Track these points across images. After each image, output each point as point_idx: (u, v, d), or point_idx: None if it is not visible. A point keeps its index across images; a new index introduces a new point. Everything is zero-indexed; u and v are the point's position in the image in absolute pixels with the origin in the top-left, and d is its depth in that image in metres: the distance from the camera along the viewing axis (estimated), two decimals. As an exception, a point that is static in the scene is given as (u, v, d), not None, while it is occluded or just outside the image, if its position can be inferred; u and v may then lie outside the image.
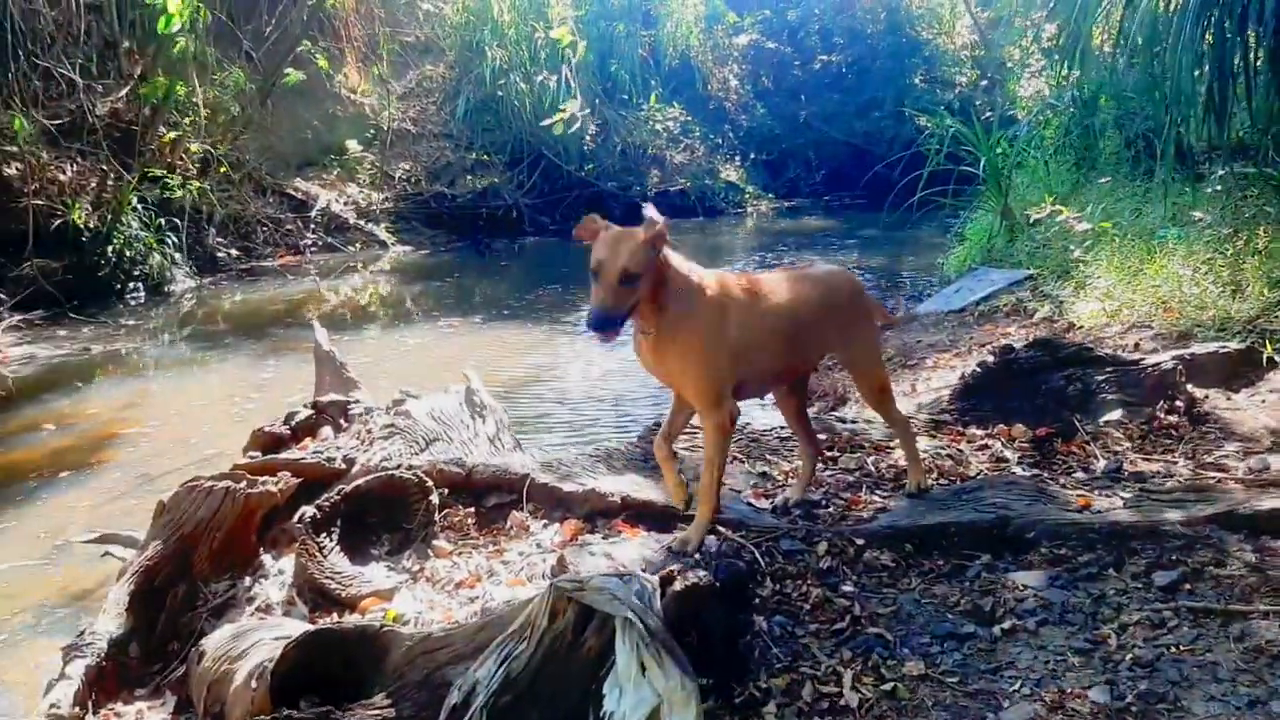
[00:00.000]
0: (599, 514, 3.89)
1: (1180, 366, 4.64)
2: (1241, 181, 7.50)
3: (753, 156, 21.35)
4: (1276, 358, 4.87)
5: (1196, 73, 7.53)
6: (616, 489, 3.93)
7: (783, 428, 4.86)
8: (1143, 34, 8.80)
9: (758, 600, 3.30)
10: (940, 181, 9.82)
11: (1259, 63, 7.19)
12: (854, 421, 4.92)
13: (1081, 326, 6.46)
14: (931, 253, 11.50)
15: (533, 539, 3.76)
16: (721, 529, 3.70)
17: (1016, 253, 8.46)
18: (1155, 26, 8.62)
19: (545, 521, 3.89)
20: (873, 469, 4.33)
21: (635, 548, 3.42)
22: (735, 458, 4.55)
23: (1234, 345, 4.98)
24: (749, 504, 4.03)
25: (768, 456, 4.51)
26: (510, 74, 16.83)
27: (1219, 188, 7.43)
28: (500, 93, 16.89)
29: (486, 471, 4.04)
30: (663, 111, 19.69)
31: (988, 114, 14.52)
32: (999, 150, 9.89)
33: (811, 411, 5.08)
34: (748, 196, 20.27)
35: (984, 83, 20.46)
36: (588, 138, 17.24)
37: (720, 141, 20.98)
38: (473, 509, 3.93)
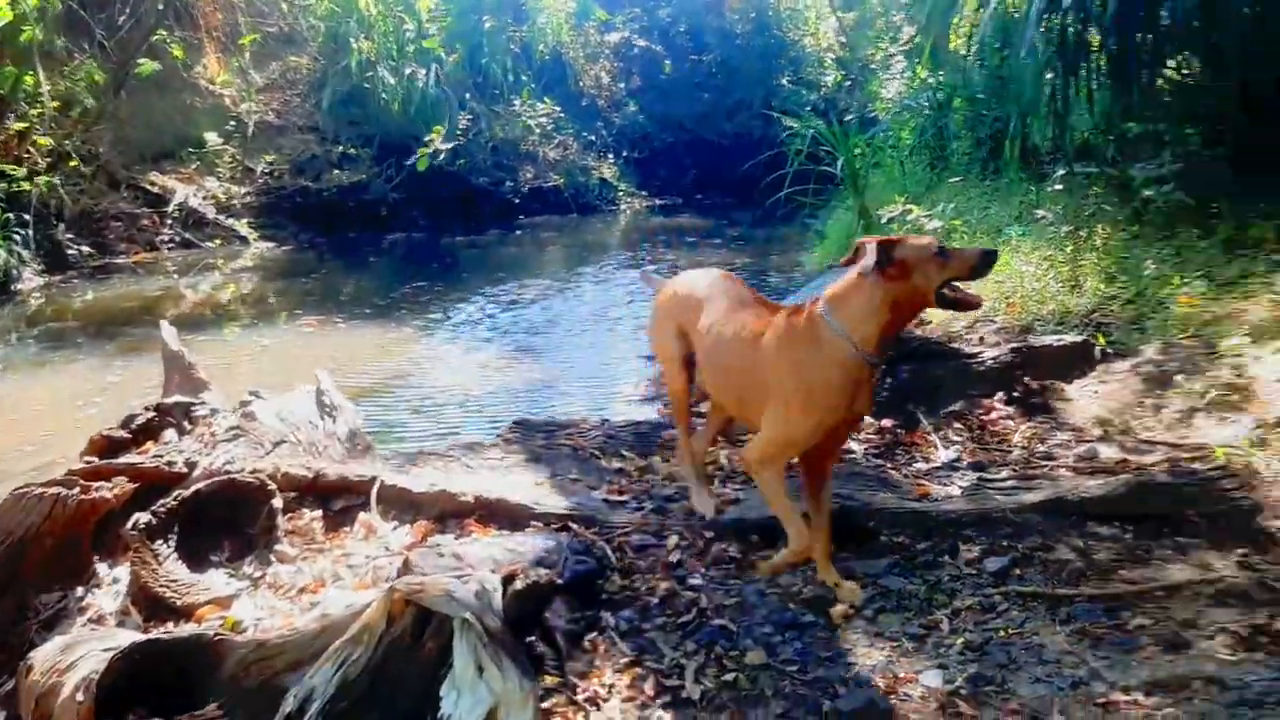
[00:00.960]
0: (451, 514, 3.87)
1: (1018, 359, 4.83)
2: (1083, 181, 7.83)
3: (625, 154, 21.41)
4: (1109, 350, 5.11)
5: (1046, 75, 7.85)
6: (469, 488, 3.91)
7: (639, 424, 4.92)
8: (992, 36, 9.15)
9: (605, 596, 3.33)
10: (804, 181, 10.03)
11: (1100, 66, 7.52)
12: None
13: (932, 321, 6.65)
14: (797, 250, 11.75)
15: (381, 541, 3.72)
16: (574, 525, 3.72)
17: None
18: (1003, 29, 8.97)
19: (395, 523, 3.85)
20: (726, 462, 4.39)
21: (484, 547, 3.40)
22: (593, 454, 4.57)
23: (1069, 338, 5.20)
24: (604, 499, 4.06)
25: (624, 452, 4.54)
26: (378, 66, 16.52)
27: (1060, 187, 7.74)
28: (367, 85, 16.57)
29: (334, 473, 3.98)
30: (534, 107, 19.59)
31: (851, 115, 14.90)
32: (857, 151, 10.15)
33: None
34: (621, 194, 20.33)
35: (848, 84, 20.89)
36: (458, 132, 17.05)
37: (594, 139, 20.98)
38: (320, 512, 3.86)
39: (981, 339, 5.93)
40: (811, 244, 10.63)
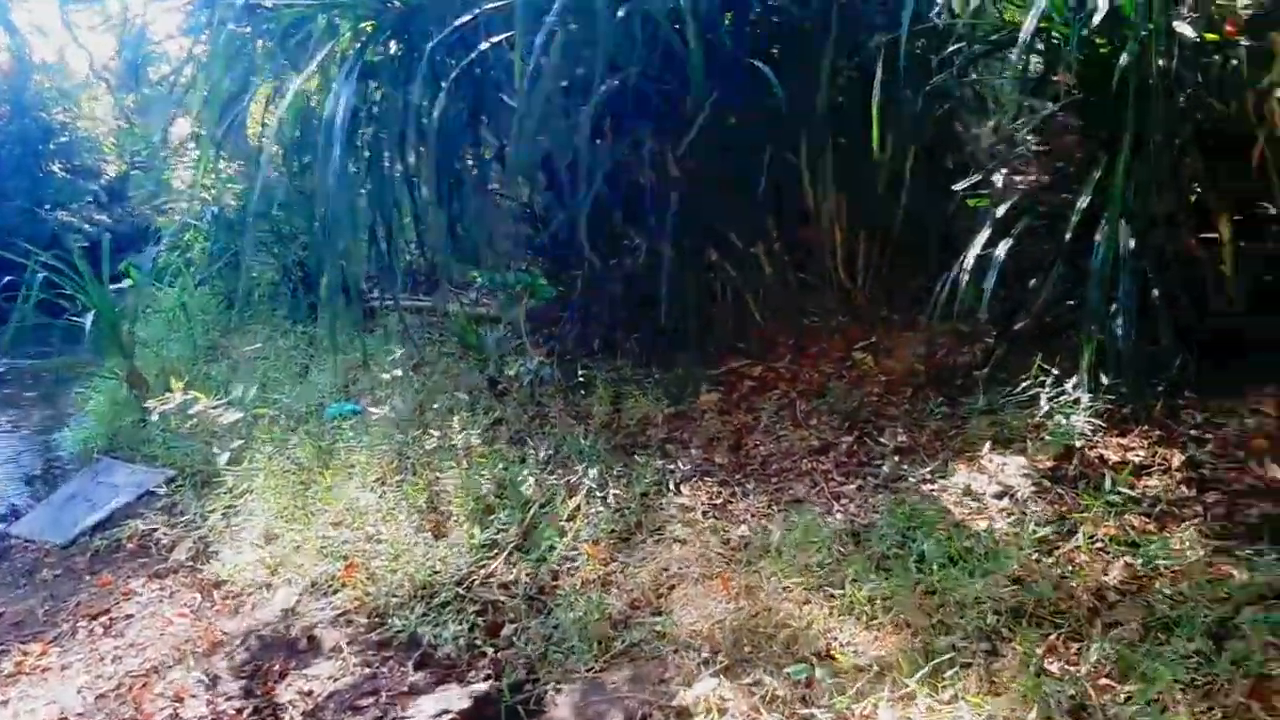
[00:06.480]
0: None
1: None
2: (418, 327, 5.95)
3: None
4: (518, 710, 3.09)
5: (360, 191, 5.87)
6: None
7: None
8: (291, 142, 6.91)
9: None
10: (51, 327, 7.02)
11: (424, 190, 5.71)
12: None
13: (232, 583, 4.30)
14: (57, 419, 8.48)
15: None
16: None
17: (151, 438, 5.97)
18: (309, 134, 6.71)
19: None
20: None
21: None
22: None
23: (456, 708, 3.09)
24: None
25: None
26: None
27: (396, 354, 5.72)
28: None
29: None
30: None
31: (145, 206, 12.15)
32: (128, 282, 7.43)
33: None
34: None
35: (135, 172, 17.81)
36: None
37: None
38: None
39: (312, 639, 3.69)
40: (73, 414, 7.62)
